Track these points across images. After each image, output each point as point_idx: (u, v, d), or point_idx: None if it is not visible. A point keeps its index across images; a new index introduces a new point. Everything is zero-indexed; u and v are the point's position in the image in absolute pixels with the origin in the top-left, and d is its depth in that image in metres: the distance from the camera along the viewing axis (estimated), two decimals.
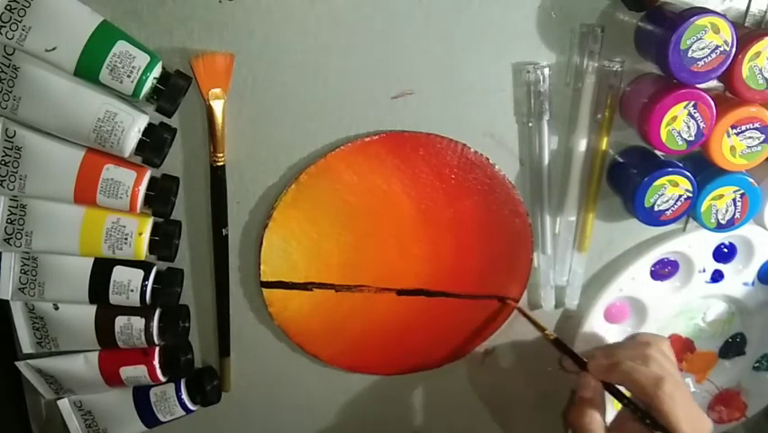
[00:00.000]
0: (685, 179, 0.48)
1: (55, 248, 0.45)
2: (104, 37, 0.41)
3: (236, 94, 0.46)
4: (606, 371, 0.50)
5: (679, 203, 0.49)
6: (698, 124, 0.45)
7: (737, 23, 0.45)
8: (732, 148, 0.47)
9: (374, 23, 0.45)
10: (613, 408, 0.52)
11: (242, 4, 0.43)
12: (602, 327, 0.58)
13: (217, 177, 0.47)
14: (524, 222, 0.53)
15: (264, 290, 0.51)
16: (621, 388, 0.50)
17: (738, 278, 0.59)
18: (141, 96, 0.42)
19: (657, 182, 0.48)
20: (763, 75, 0.45)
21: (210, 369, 0.55)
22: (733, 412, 0.66)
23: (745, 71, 0.44)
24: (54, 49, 0.40)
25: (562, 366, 0.55)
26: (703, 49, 0.43)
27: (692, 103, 0.45)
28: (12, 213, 0.44)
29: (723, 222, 0.51)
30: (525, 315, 0.55)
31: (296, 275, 0.51)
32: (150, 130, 0.43)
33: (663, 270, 0.58)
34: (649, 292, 0.57)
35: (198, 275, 0.51)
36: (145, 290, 0.47)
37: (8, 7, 0.39)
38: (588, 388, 0.51)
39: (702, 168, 0.49)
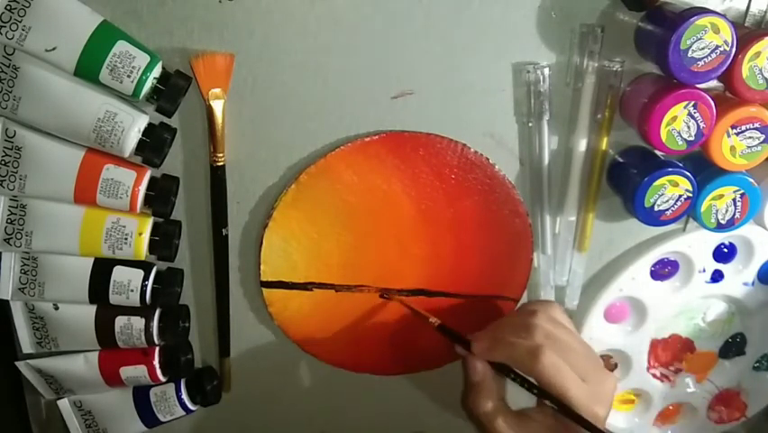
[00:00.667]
0: (685, 179, 0.48)
1: (55, 248, 0.45)
2: (104, 37, 0.41)
3: (236, 94, 0.46)
4: (487, 350, 0.47)
5: (679, 203, 0.49)
6: (698, 124, 0.45)
7: (737, 23, 0.45)
8: (732, 148, 0.47)
9: (374, 22, 0.45)
10: None
11: (242, 4, 0.43)
12: (602, 327, 0.58)
13: (217, 177, 0.47)
14: (524, 222, 0.53)
15: (264, 290, 0.51)
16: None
17: (738, 278, 0.59)
18: (141, 96, 0.42)
19: (657, 182, 0.48)
20: (763, 75, 0.45)
21: (210, 369, 0.55)
22: (733, 412, 0.66)
23: (745, 71, 0.44)
24: (54, 49, 0.40)
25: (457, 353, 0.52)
26: (703, 49, 0.43)
27: (692, 103, 0.45)
28: (12, 213, 0.44)
29: (723, 222, 0.51)
30: (405, 304, 0.53)
31: (296, 275, 0.51)
32: (150, 130, 0.43)
33: (663, 270, 0.58)
34: (649, 292, 0.57)
35: (198, 275, 0.51)
36: (145, 290, 0.47)
37: (8, 7, 0.39)
38: (475, 371, 0.48)
39: (702, 168, 0.49)
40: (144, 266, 0.47)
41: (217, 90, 0.44)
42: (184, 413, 0.53)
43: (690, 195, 0.49)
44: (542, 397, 0.45)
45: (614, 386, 0.47)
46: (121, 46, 0.41)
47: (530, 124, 0.50)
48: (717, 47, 0.43)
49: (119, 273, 0.46)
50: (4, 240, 0.45)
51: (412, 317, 0.54)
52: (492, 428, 0.47)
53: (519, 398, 0.49)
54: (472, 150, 0.50)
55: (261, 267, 0.50)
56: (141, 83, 0.41)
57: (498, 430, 0.47)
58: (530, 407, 0.49)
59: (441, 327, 0.50)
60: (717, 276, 0.58)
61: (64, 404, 0.53)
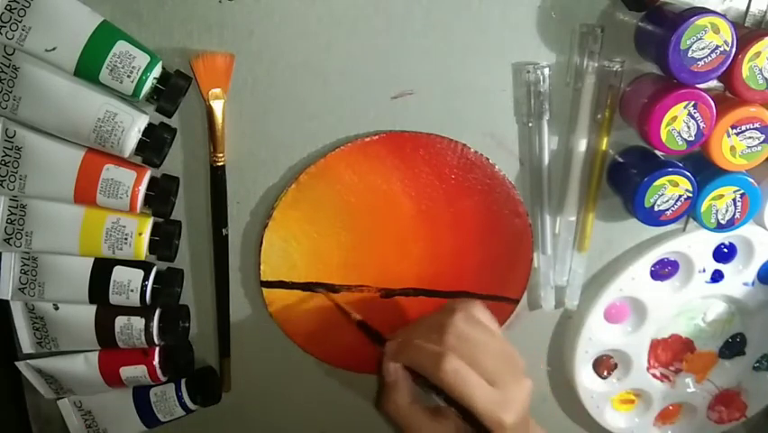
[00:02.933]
0: (685, 179, 0.48)
1: (55, 248, 0.45)
2: (104, 37, 0.41)
3: (236, 94, 0.46)
4: (395, 353, 0.46)
5: (679, 203, 0.49)
6: (698, 124, 0.45)
7: (737, 23, 0.45)
8: (732, 148, 0.47)
9: (374, 22, 0.45)
10: None
11: (242, 4, 0.43)
12: (602, 327, 0.58)
13: (217, 177, 0.47)
14: (524, 222, 0.53)
15: (264, 290, 0.51)
16: None
17: (738, 278, 0.59)
18: (141, 97, 0.42)
19: (657, 182, 0.48)
20: (763, 75, 0.45)
21: (210, 369, 0.55)
22: (733, 412, 0.66)
23: (745, 71, 0.44)
24: (54, 49, 0.40)
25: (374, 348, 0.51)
26: (703, 49, 0.43)
27: (692, 103, 0.45)
28: (12, 213, 0.44)
29: (723, 222, 0.51)
30: (330, 299, 0.52)
31: (296, 275, 0.51)
32: (150, 130, 0.43)
33: (663, 270, 0.58)
34: (649, 292, 0.57)
35: (198, 275, 0.51)
36: (145, 290, 0.47)
37: (8, 7, 0.39)
38: (387, 372, 0.47)
39: (702, 168, 0.49)
40: (144, 266, 0.47)
41: (217, 90, 0.44)
42: (184, 413, 0.53)
43: (690, 195, 0.49)
44: (447, 403, 0.45)
45: (528, 392, 0.45)
46: (121, 46, 0.41)
47: (530, 124, 0.50)
48: (717, 47, 0.43)
49: (119, 273, 0.46)
50: (4, 240, 0.45)
51: (412, 317, 0.54)
52: (407, 427, 0.46)
53: None
54: (472, 150, 0.50)
55: (261, 267, 0.50)
56: (141, 83, 0.41)
57: (412, 428, 0.46)
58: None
59: (361, 324, 0.50)
60: (717, 276, 0.58)
61: (64, 404, 0.53)
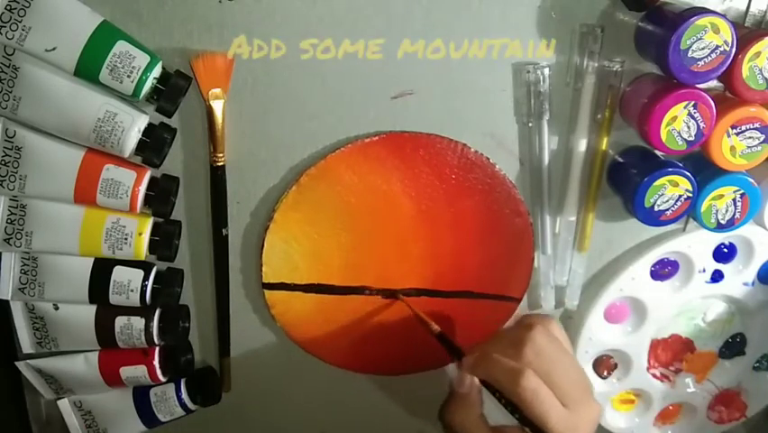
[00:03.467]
0: (685, 179, 0.48)
1: (55, 248, 0.45)
2: (104, 37, 0.41)
3: (236, 94, 0.46)
4: (473, 366, 0.46)
5: (679, 203, 0.49)
6: (698, 124, 0.45)
7: (737, 23, 0.45)
8: (732, 148, 0.47)
9: (374, 23, 0.45)
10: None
11: (242, 4, 0.43)
12: (602, 327, 0.58)
13: (217, 177, 0.47)
14: (525, 222, 0.53)
15: (266, 292, 0.51)
16: None
17: (738, 278, 0.59)
18: (141, 97, 0.42)
19: (657, 182, 0.48)
20: (763, 75, 0.45)
21: (210, 369, 0.55)
22: (733, 412, 0.66)
23: (745, 71, 0.44)
24: (54, 49, 0.40)
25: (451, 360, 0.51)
26: (703, 49, 0.43)
27: (692, 103, 0.45)
28: (12, 213, 0.44)
29: (723, 222, 0.51)
30: (410, 307, 0.52)
31: (297, 277, 0.51)
32: (150, 130, 0.43)
33: (663, 270, 0.58)
34: (649, 292, 0.57)
35: (198, 275, 0.51)
36: (145, 290, 0.47)
37: (8, 7, 0.39)
38: (462, 384, 0.47)
39: (702, 168, 0.49)
40: (144, 266, 0.47)
41: (217, 90, 0.44)
42: (184, 413, 0.53)
43: (690, 195, 0.49)
44: (522, 423, 0.44)
45: (597, 415, 0.46)
46: (121, 46, 0.41)
47: (530, 124, 0.50)
48: (717, 47, 0.43)
49: (119, 273, 0.46)
50: (4, 240, 0.45)
51: (414, 317, 0.54)
52: None
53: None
54: (473, 150, 0.50)
55: (263, 269, 0.50)
56: (141, 83, 0.41)
57: None
58: (507, 424, 0.47)
59: (440, 336, 0.50)
60: (717, 276, 0.58)
61: (64, 404, 0.53)
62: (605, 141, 0.50)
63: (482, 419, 0.47)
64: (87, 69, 0.41)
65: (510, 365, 0.44)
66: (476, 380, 0.47)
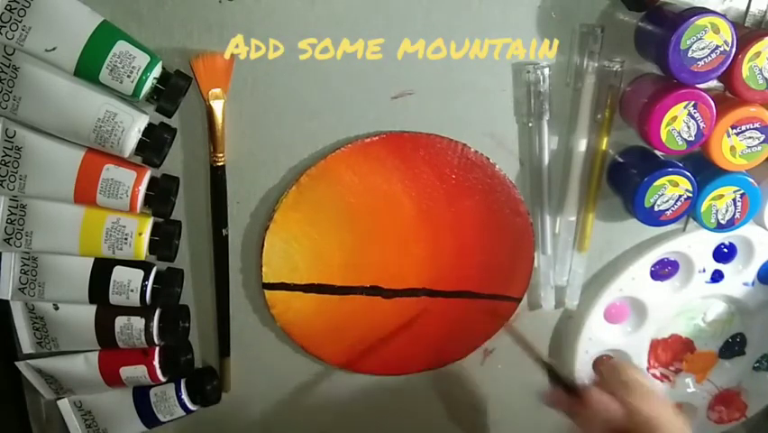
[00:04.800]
0: (685, 179, 0.48)
1: (55, 248, 0.45)
2: (104, 37, 0.41)
3: (236, 94, 0.46)
4: (606, 405, 0.45)
5: (679, 203, 0.49)
6: (698, 124, 0.45)
7: (737, 23, 0.45)
8: (732, 148, 0.47)
9: (374, 23, 0.45)
10: None
11: (242, 4, 0.43)
12: (602, 327, 0.58)
13: (217, 177, 0.47)
14: (525, 221, 0.53)
15: (266, 292, 0.51)
16: None
17: (738, 278, 0.59)
18: (141, 97, 0.42)
19: (657, 182, 0.48)
20: (763, 75, 0.45)
21: (210, 369, 0.55)
22: (733, 412, 0.66)
23: (745, 71, 0.44)
24: (54, 49, 0.40)
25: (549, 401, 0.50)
26: (703, 49, 0.43)
27: (692, 103, 0.45)
28: (12, 213, 0.44)
29: (723, 222, 0.51)
30: (517, 337, 0.51)
31: (297, 277, 0.51)
32: (150, 130, 0.43)
33: (663, 270, 0.58)
34: (649, 292, 0.57)
35: (198, 275, 0.51)
36: (145, 291, 0.47)
37: (8, 7, 0.39)
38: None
39: (702, 168, 0.49)
40: (144, 266, 0.47)
41: (217, 90, 0.44)
42: (184, 413, 0.53)
43: (690, 195, 0.49)
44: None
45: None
46: (121, 46, 0.41)
47: (530, 124, 0.50)
48: (717, 47, 0.43)
49: (119, 273, 0.46)
50: (4, 240, 0.45)
51: (413, 317, 0.54)
52: None
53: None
54: (473, 150, 0.50)
55: (263, 269, 0.50)
56: (141, 83, 0.41)
57: None
58: None
59: (551, 371, 0.49)
60: (717, 276, 0.58)
61: (64, 404, 0.53)
62: (605, 141, 0.50)
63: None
64: (87, 69, 0.41)
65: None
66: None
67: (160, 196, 0.46)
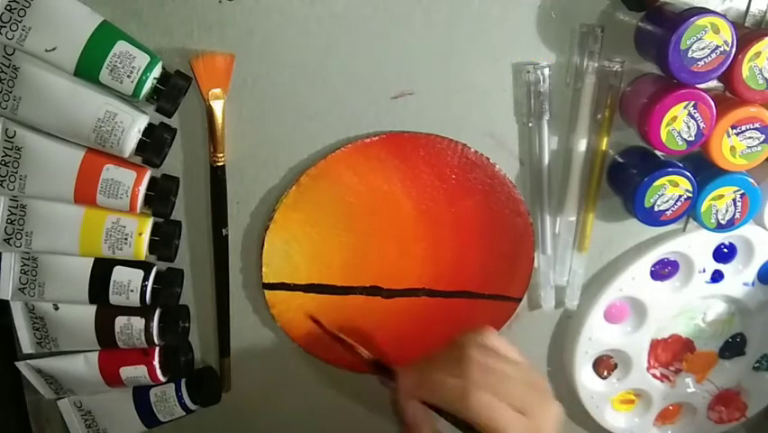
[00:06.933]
0: (685, 179, 0.48)
1: (55, 248, 0.45)
2: (104, 37, 0.41)
3: (236, 94, 0.46)
4: (414, 388, 0.43)
5: (679, 203, 0.49)
6: (698, 124, 0.45)
7: (737, 23, 0.45)
8: (732, 148, 0.47)
9: (374, 22, 0.45)
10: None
11: (242, 4, 0.43)
12: (602, 327, 0.58)
13: (217, 177, 0.47)
14: (525, 221, 0.53)
15: (266, 292, 0.51)
16: None
17: (738, 278, 0.59)
18: (141, 97, 0.42)
19: (657, 182, 0.48)
20: (763, 75, 0.45)
21: (210, 369, 0.55)
22: (733, 412, 0.66)
23: (745, 71, 0.44)
24: (54, 49, 0.40)
25: (381, 382, 0.49)
26: (703, 49, 0.43)
27: (692, 103, 0.45)
28: (12, 213, 0.44)
29: (723, 222, 0.51)
30: (329, 333, 0.49)
31: (297, 277, 0.51)
32: (150, 130, 0.43)
33: (663, 270, 0.58)
34: (649, 292, 0.57)
35: (198, 275, 0.51)
36: (145, 291, 0.47)
37: (8, 7, 0.39)
38: (407, 415, 0.44)
39: (702, 168, 0.49)
40: (144, 266, 0.47)
41: (217, 90, 0.44)
42: (184, 413, 0.53)
43: (690, 195, 0.49)
44: None
45: (558, 414, 0.43)
46: (121, 46, 0.41)
47: (530, 124, 0.50)
48: (717, 47, 0.43)
49: (119, 273, 0.46)
50: (4, 240, 0.45)
51: (413, 318, 0.54)
52: None
53: None
54: (472, 150, 0.50)
55: (263, 269, 0.50)
56: (141, 83, 0.41)
57: None
58: None
59: (375, 364, 0.47)
60: (717, 276, 0.58)
61: (64, 404, 0.53)
62: (605, 141, 0.50)
63: None
64: (87, 69, 0.41)
65: (456, 383, 0.41)
66: (420, 405, 0.44)
67: (160, 196, 0.46)
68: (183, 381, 0.53)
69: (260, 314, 0.53)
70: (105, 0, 0.42)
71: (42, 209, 0.45)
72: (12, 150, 0.43)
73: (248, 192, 0.49)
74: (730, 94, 0.47)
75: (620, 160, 0.52)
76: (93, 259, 0.46)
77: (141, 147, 0.43)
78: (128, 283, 0.46)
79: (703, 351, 0.63)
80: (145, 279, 0.47)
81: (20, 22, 0.39)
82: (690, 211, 0.50)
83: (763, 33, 0.44)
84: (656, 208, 0.49)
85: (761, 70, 0.44)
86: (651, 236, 0.56)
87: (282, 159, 0.49)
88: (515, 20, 0.47)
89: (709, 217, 0.50)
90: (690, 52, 0.43)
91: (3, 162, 0.43)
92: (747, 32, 0.45)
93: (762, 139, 0.47)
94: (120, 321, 0.48)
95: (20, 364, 0.50)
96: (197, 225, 0.50)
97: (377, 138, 0.48)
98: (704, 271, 0.57)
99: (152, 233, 0.46)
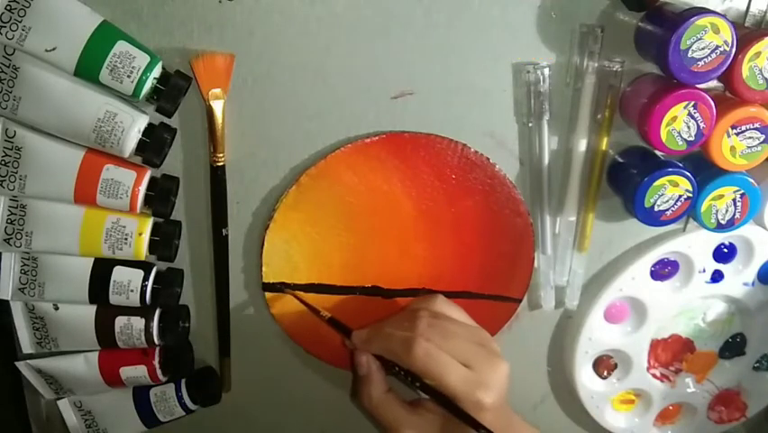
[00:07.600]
0: (685, 179, 0.48)
1: (55, 248, 0.45)
2: (104, 37, 0.41)
3: (236, 94, 0.46)
4: (365, 342, 0.48)
5: (679, 203, 0.49)
6: (698, 124, 0.45)
7: (737, 23, 0.45)
8: (732, 148, 0.47)
9: (374, 23, 0.45)
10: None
11: (242, 4, 0.43)
12: (602, 327, 0.58)
13: (217, 177, 0.47)
14: (525, 222, 0.53)
15: (266, 292, 0.51)
16: None
17: (738, 278, 0.59)
18: (141, 97, 0.42)
19: (657, 182, 0.48)
20: (763, 75, 0.45)
21: (210, 369, 0.55)
22: (733, 412, 0.66)
23: (745, 71, 0.44)
24: (54, 49, 0.40)
25: (344, 345, 0.52)
26: (703, 49, 0.43)
27: (692, 103, 0.45)
28: (12, 213, 0.44)
29: (723, 222, 0.51)
30: (297, 298, 0.51)
31: (297, 277, 0.51)
32: (150, 130, 0.43)
33: (663, 270, 0.58)
34: (649, 292, 0.57)
35: (198, 275, 0.51)
36: (145, 291, 0.47)
37: (8, 7, 0.39)
38: (360, 365, 0.48)
39: (702, 168, 0.49)
40: (144, 266, 0.47)
41: (217, 90, 0.44)
42: (184, 413, 0.53)
43: (690, 195, 0.49)
44: (422, 390, 0.45)
45: (505, 374, 0.46)
46: (121, 46, 0.41)
47: (530, 124, 0.50)
48: (717, 47, 0.43)
49: (119, 273, 0.46)
50: (4, 240, 0.45)
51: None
52: (384, 419, 0.47)
53: None
54: (472, 150, 0.50)
55: (263, 269, 0.50)
56: (141, 83, 0.41)
57: (389, 420, 0.46)
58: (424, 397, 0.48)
59: (331, 320, 0.50)
60: (717, 276, 0.58)
61: (64, 404, 0.53)
62: (605, 141, 0.50)
63: (391, 394, 0.48)
64: (87, 69, 0.41)
65: (401, 335, 0.45)
66: (373, 358, 0.48)
67: (160, 196, 0.46)
68: (183, 381, 0.53)
69: (260, 314, 0.53)
70: (105, 0, 0.42)
71: (42, 209, 0.45)
72: (12, 150, 0.43)
73: (248, 192, 0.49)
74: (730, 94, 0.47)
75: (620, 160, 0.52)
76: (93, 259, 0.46)
77: (141, 147, 0.43)
78: (128, 283, 0.46)
79: (703, 351, 0.63)
80: (145, 279, 0.47)
81: (20, 22, 0.39)
82: (690, 211, 0.50)
83: (763, 33, 0.44)
84: (656, 208, 0.49)
85: (761, 70, 0.44)
86: (651, 236, 0.56)
87: (282, 159, 0.49)
88: (515, 20, 0.47)
89: (709, 217, 0.50)
90: (690, 52, 0.43)
91: (3, 162, 0.43)
92: (747, 32, 0.45)
93: (762, 139, 0.47)
94: (120, 321, 0.48)
95: (20, 364, 0.50)
96: (197, 225, 0.50)
97: (377, 138, 0.48)
98: (704, 271, 0.57)
99: (152, 233, 0.46)
